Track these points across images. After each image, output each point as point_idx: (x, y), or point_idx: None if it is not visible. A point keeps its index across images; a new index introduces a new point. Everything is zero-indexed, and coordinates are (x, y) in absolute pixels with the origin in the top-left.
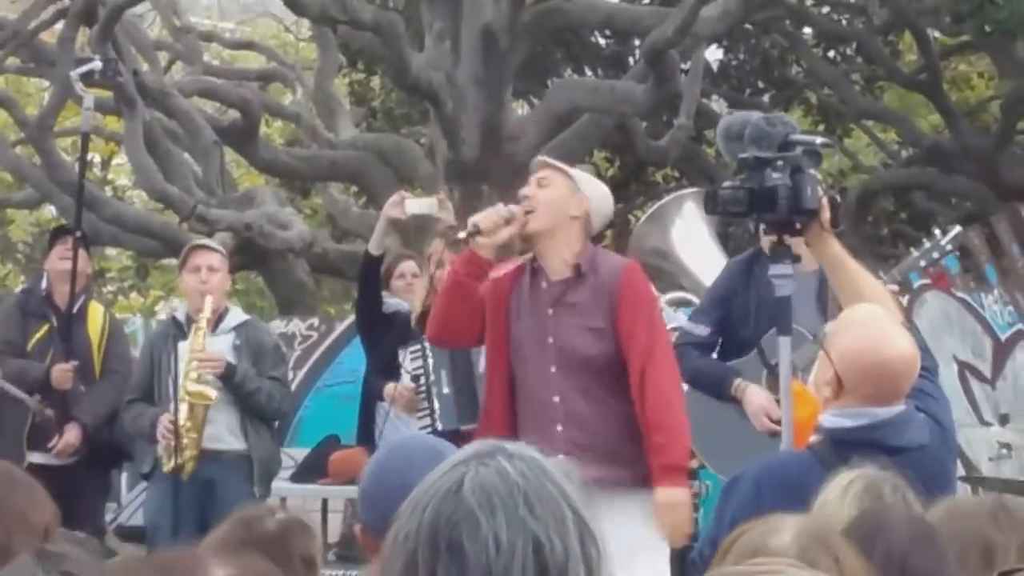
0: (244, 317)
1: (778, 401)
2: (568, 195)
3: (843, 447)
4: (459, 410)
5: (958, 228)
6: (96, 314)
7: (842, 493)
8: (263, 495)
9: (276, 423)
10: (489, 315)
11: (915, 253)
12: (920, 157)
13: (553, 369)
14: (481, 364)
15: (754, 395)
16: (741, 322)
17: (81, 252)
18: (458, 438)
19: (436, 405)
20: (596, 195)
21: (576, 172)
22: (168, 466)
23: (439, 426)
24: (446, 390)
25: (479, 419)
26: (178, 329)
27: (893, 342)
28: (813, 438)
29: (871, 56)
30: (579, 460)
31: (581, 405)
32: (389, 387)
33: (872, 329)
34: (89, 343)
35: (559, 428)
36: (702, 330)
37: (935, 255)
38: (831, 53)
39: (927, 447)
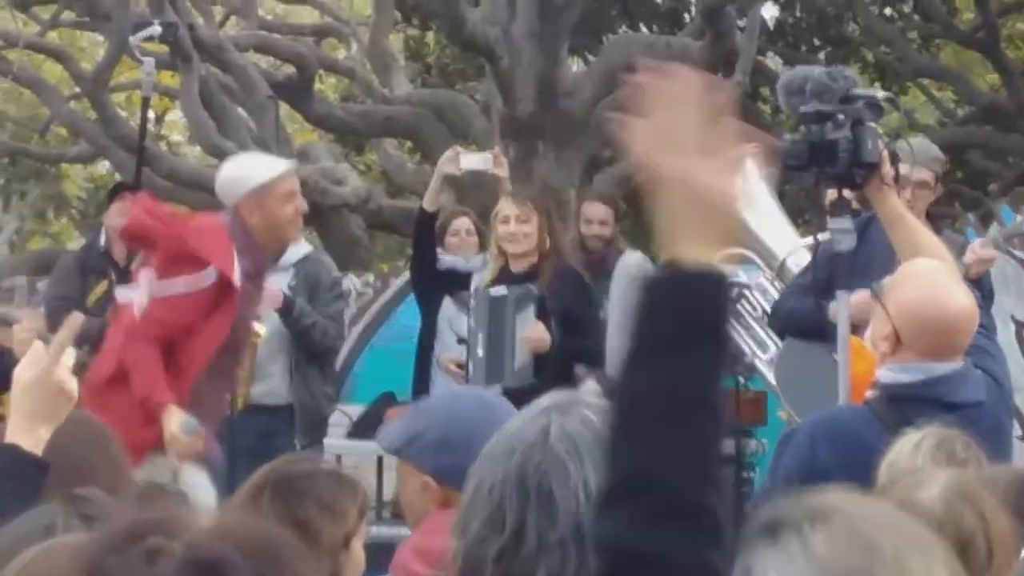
0: (305, 250)
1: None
2: None
3: (900, 402)
4: (488, 373)
5: None
6: None
7: (914, 449)
8: (305, 445)
9: (328, 366)
10: None
11: (1018, 218)
12: (976, 115)
13: None
14: (523, 327)
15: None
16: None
17: None
18: None
19: (470, 367)
20: None
21: None
22: None
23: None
24: (480, 352)
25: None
26: None
27: (952, 296)
28: (869, 393)
29: (928, 13)
30: None
31: None
32: (444, 357)
33: (930, 283)
34: None
35: None
36: (803, 280)
37: None
38: (887, 10)
39: (984, 404)
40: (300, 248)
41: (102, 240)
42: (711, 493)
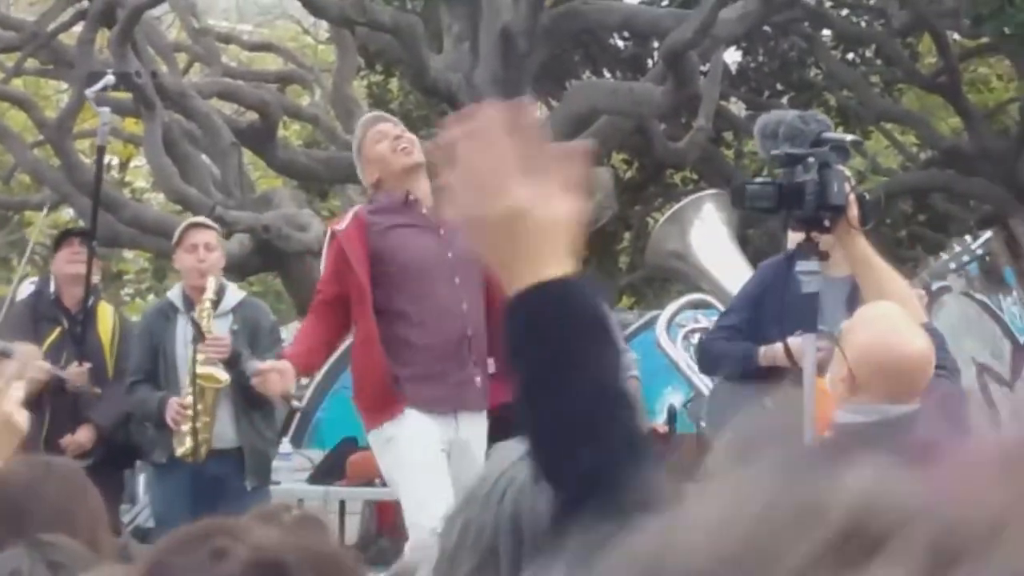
0: (241, 295)
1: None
2: None
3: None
4: None
5: (989, 233)
6: (106, 315)
7: None
8: (255, 487)
9: (270, 410)
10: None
11: (945, 256)
12: (939, 159)
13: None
14: None
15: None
16: (770, 322)
17: (84, 253)
18: None
19: None
20: None
21: None
22: (181, 450)
23: None
24: None
25: None
26: (175, 311)
27: (907, 339)
28: (827, 434)
29: (890, 58)
30: None
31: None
32: None
33: (886, 326)
34: (101, 345)
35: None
36: (731, 320)
37: (965, 259)
38: (850, 55)
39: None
40: (236, 293)
41: (52, 287)
42: (645, 465)
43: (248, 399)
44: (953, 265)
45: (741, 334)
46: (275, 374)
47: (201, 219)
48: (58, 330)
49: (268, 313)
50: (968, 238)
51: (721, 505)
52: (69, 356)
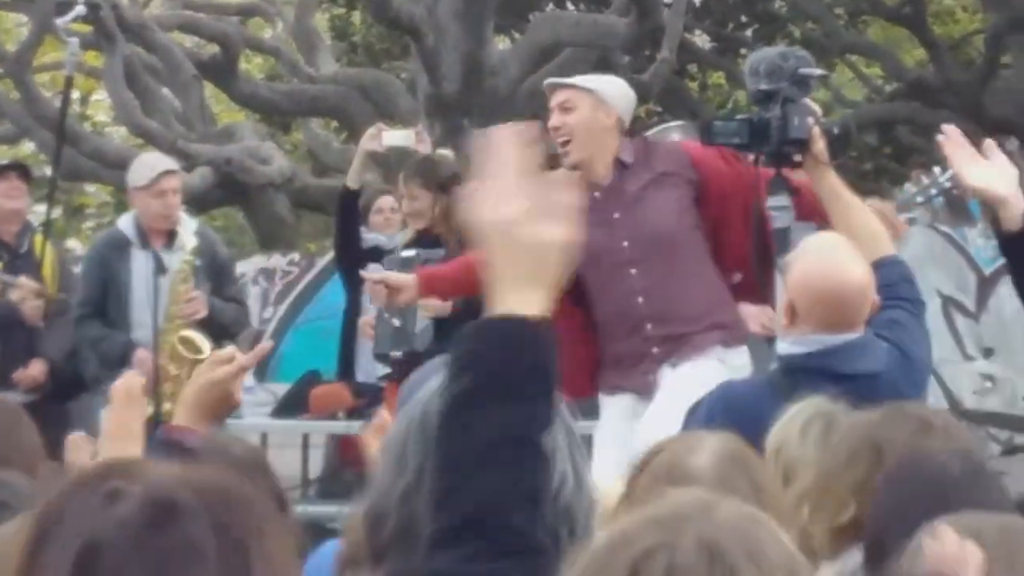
0: (194, 228)
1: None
2: (596, 111)
3: (795, 374)
4: (396, 337)
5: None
6: (47, 249)
7: (800, 435)
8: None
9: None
10: None
11: (912, 189)
12: (904, 91)
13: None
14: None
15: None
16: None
17: (22, 188)
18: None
19: (378, 330)
20: (619, 95)
21: (592, 81)
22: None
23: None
24: (396, 321)
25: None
26: (127, 243)
27: (843, 268)
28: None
29: None
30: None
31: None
32: (362, 320)
33: (824, 256)
34: (42, 279)
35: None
36: None
37: (933, 192)
38: None
39: (881, 375)
40: (188, 224)
41: None
42: (539, 526)
43: (216, 338)
44: (920, 198)
45: None
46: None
47: (172, 164)
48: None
49: (221, 243)
50: (937, 170)
51: None
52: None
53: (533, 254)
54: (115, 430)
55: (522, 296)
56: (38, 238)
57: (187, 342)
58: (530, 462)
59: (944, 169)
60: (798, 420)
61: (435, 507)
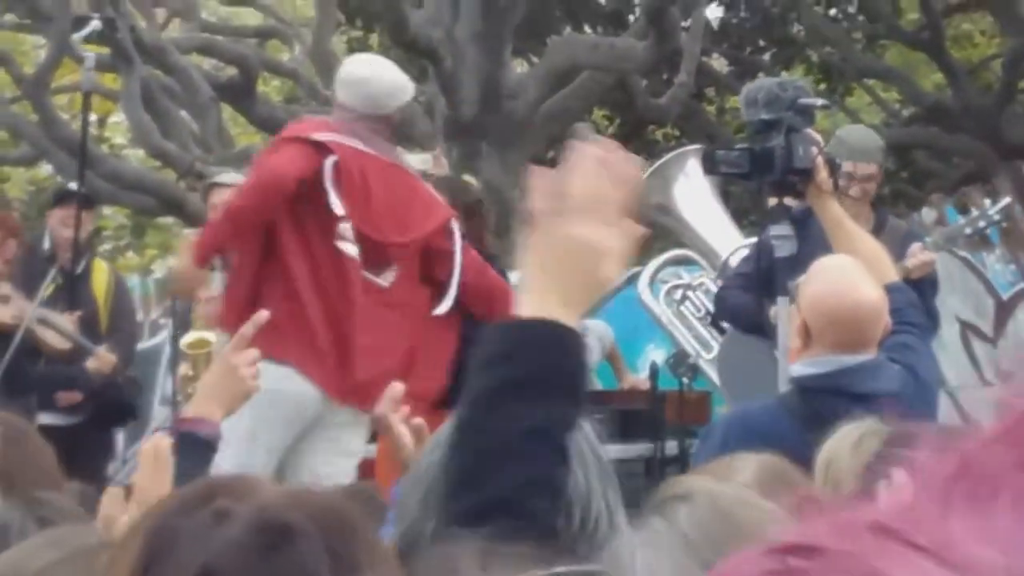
0: None
1: None
2: None
3: (810, 395)
4: None
5: (1008, 199)
6: (101, 272)
7: (852, 450)
8: None
9: None
10: None
11: (962, 221)
12: (921, 116)
13: None
14: None
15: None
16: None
17: (84, 214)
18: None
19: None
20: None
21: None
22: None
23: None
24: None
25: None
26: None
27: (856, 289)
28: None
29: (873, 14)
30: None
31: None
32: None
33: (837, 277)
34: (95, 301)
35: None
36: (748, 267)
37: (982, 224)
38: (832, 11)
39: (897, 397)
40: None
41: (46, 244)
42: (558, 515)
43: None
44: (969, 230)
45: (752, 283)
46: None
47: (224, 177)
48: (52, 288)
49: None
50: (988, 202)
51: None
52: (63, 311)
53: (579, 261)
54: (143, 495)
55: (558, 299)
56: (97, 262)
57: (195, 345)
58: (552, 456)
59: (994, 201)
60: (851, 435)
61: (454, 491)
